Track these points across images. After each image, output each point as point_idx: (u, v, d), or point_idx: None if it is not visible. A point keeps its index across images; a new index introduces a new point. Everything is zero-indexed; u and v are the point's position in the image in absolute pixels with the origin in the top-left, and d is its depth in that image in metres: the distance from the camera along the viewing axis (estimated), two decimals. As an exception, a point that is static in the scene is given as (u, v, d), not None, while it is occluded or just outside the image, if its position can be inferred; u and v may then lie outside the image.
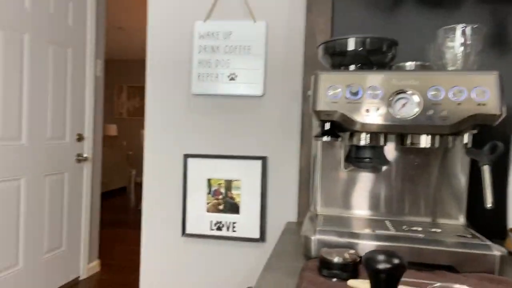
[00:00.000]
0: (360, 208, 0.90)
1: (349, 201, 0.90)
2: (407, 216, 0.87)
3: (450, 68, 0.80)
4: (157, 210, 1.22)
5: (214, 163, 1.18)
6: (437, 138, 0.75)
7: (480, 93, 0.69)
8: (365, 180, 0.90)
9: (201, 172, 1.19)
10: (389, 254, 0.46)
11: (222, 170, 1.18)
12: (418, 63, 0.81)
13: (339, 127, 0.80)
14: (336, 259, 0.65)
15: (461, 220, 0.85)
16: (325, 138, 0.79)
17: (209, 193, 1.19)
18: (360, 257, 0.66)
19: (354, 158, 0.83)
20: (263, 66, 1.14)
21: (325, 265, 0.66)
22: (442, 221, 0.86)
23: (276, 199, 1.15)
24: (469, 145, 0.75)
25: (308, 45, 1.10)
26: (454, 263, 0.69)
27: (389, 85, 0.73)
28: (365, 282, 0.61)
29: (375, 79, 0.74)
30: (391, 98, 0.72)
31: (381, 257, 0.45)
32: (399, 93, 0.72)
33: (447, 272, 0.68)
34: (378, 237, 0.73)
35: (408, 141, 0.78)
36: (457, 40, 0.77)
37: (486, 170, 0.69)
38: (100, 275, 2.89)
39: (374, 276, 0.45)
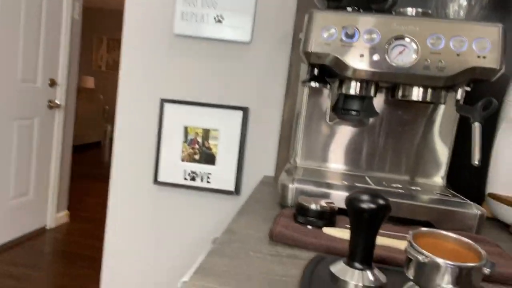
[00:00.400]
0: (341, 162, 0.86)
1: (330, 155, 0.87)
2: (387, 174, 0.85)
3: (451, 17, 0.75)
4: (128, 155, 1.16)
5: (193, 110, 1.12)
6: (430, 91, 0.71)
7: (481, 45, 0.65)
8: (349, 134, 0.86)
9: (178, 119, 1.13)
10: (374, 194, 0.42)
11: (200, 119, 1.12)
12: (420, 9, 0.76)
13: (329, 73, 0.74)
14: (313, 206, 0.61)
15: (441, 180, 0.84)
16: (313, 84, 0.74)
17: (185, 141, 1.13)
18: (338, 207, 0.63)
19: (342, 109, 0.78)
20: (253, 9, 1.06)
21: (301, 212, 0.62)
22: (422, 180, 0.84)
23: (255, 152, 1.11)
24: (461, 102, 0.71)
25: (303, -10, 1.03)
26: (432, 219, 0.67)
27: (387, 29, 0.67)
28: (340, 230, 0.58)
29: (373, 21, 0.68)
30: (388, 44, 0.67)
31: (365, 197, 0.41)
32: (397, 39, 0.67)
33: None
34: (354, 189, 0.70)
35: (400, 93, 0.74)
36: (463, -11, 0.72)
37: (477, 128, 0.66)
38: (68, 226, 2.84)
39: (357, 216, 0.42)
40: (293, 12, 1.05)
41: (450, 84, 0.68)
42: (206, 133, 1.12)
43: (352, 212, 0.42)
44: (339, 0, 0.81)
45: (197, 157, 1.13)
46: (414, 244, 0.39)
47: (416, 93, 0.71)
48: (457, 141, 0.84)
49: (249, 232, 0.58)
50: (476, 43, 0.65)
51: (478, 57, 0.65)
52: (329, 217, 0.61)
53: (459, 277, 0.37)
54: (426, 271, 0.38)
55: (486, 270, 0.37)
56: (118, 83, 1.16)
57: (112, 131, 6.09)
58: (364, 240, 0.42)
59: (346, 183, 0.73)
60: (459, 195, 0.73)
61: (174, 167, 1.14)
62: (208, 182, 1.13)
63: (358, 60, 0.68)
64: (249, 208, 0.71)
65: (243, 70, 1.09)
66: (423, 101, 0.72)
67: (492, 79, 0.67)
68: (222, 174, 1.12)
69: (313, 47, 0.69)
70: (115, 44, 6.58)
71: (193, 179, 1.14)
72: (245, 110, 1.10)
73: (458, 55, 0.66)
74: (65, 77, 2.69)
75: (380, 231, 0.61)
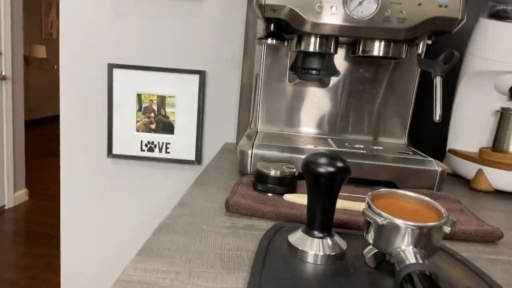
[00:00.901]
0: (303, 125, 0.83)
1: (291, 118, 0.83)
2: (350, 135, 0.83)
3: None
4: (77, 128, 1.07)
5: (145, 76, 1.04)
6: (391, 45, 0.67)
7: (443, -7, 0.61)
8: (309, 95, 0.82)
9: (129, 86, 1.04)
10: (331, 156, 0.38)
11: (154, 85, 1.04)
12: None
13: (286, 29, 0.69)
14: (272, 173, 0.58)
15: (403, 139, 0.82)
16: (270, 41, 0.68)
17: (139, 110, 1.06)
18: (299, 172, 0.60)
19: (301, 69, 0.74)
20: (203, -39, 0.96)
21: (260, 179, 0.58)
22: (385, 140, 0.82)
23: (215, 119, 1.05)
24: (422, 56, 0.69)
25: None
26: (394, 178, 0.65)
27: (345, -23, 0.62)
28: (301, 196, 0.55)
29: (330, -32, 0.62)
30: (346, -6, 0.62)
31: (322, 160, 0.38)
32: (357, -12, 0.62)
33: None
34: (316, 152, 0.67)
35: (360, 49, 0.69)
36: None
37: (438, 82, 0.63)
38: (28, 204, 2.71)
39: (314, 181, 0.38)
40: (248, -36, 0.97)
41: (411, 37, 0.65)
42: (162, 100, 1.05)
43: (309, 176, 0.39)
44: None
45: (153, 126, 1.06)
46: (372, 205, 0.37)
47: (377, 48, 0.67)
48: (417, 98, 0.82)
49: (203, 204, 0.53)
50: (438, -9, 0.62)
51: (440, 6, 0.62)
52: (289, 183, 0.58)
53: (419, 238, 0.35)
54: (385, 234, 0.36)
55: (447, 229, 0.35)
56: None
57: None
58: (323, 206, 0.39)
59: (307, 146, 0.69)
60: (420, 152, 0.72)
61: (129, 138, 1.07)
62: (167, 152, 1.07)
63: (316, 12, 0.62)
64: (206, 178, 0.66)
65: (197, 30, 1.01)
66: (384, 57, 0.68)
67: (454, 30, 0.64)
68: (181, 143, 1.07)
69: (267, -1, 0.63)
70: (65, 9, 6.10)
71: (150, 150, 1.07)
72: (202, 73, 1.03)
73: (419, 4, 0.62)
74: (9, 45, 2.47)
75: (341, 193, 0.59)
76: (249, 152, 0.66)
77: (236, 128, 1.05)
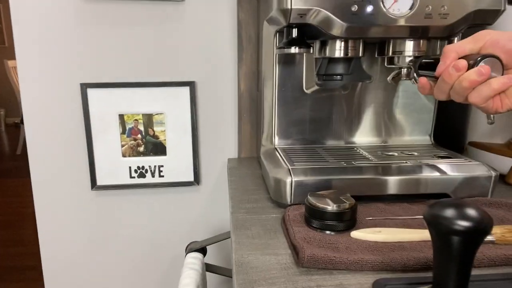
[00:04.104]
0: (322, 135, 0.75)
1: (308, 128, 0.75)
2: (373, 138, 0.76)
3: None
4: (51, 162, 0.91)
5: (127, 93, 0.90)
6: (425, 43, 0.61)
7: (483, -17, 0.56)
8: (327, 102, 0.74)
9: (109, 106, 0.90)
10: (464, 205, 0.31)
11: (138, 103, 0.91)
12: None
13: (309, 35, 0.60)
14: (330, 207, 0.50)
15: (428, 138, 0.78)
16: (294, 50, 0.59)
17: (123, 132, 0.92)
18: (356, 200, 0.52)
19: (323, 75, 0.66)
20: (183, -43, 0.84)
21: (315, 215, 0.50)
22: (409, 139, 0.77)
23: (211, 133, 0.95)
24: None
25: None
26: (449, 189, 0.60)
27: (379, -29, 0.54)
28: (372, 231, 0.48)
29: (362, -38, 0.54)
30: (381, -10, 0.54)
31: (454, 213, 0.30)
32: (391, -18, 0.55)
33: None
34: (364, 170, 0.60)
35: (390, 49, 0.63)
36: None
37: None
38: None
39: (445, 240, 0.31)
40: (233, -42, 0.85)
41: (449, 34, 0.59)
42: (148, 118, 0.92)
43: (438, 234, 0.31)
44: None
45: (142, 149, 0.93)
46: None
47: (412, 47, 0.61)
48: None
49: (265, 261, 0.44)
50: (477, -19, 0.56)
51: (481, -2, 0.56)
52: (350, 216, 0.50)
53: None
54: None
55: None
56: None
57: (7, 115, 5.26)
58: (457, 271, 0.32)
59: (344, 164, 0.62)
60: (459, 154, 0.68)
61: (115, 165, 0.93)
62: (160, 176, 0.95)
63: (350, 14, 0.54)
64: (240, 215, 0.57)
65: (181, 36, 0.88)
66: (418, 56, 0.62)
67: (493, 22, 0.59)
68: (176, 164, 0.95)
69: (293, 2, 0.53)
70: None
71: (141, 175, 0.95)
72: (191, 84, 0.91)
73: (460, -3, 0.56)
74: None
75: (400, 217, 0.52)
76: (288, 180, 0.57)
77: (235, 141, 0.95)
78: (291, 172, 0.58)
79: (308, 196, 0.52)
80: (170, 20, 0.87)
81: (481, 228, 0.30)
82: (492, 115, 0.57)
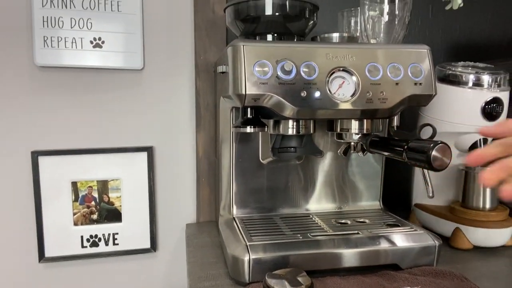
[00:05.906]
0: (278, 204, 0.78)
1: (265, 197, 0.77)
2: (325, 204, 0.79)
3: (372, 41, 0.72)
4: (-4, 233, 0.86)
5: (80, 160, 0.88)
6: (369, 122, 0.67)
7: (416, 71, 0.62)
8: (281, 171, 0.77)
9: (61, 174, 0.87)
10: None
11: (92, 169, 0.89)
12: (345, 34, 0.70)
13: (263, 114, 0.64)
14: (287, 288, 0.51)
15: (378, 203, 0.82)
16: (250, 129, 0.62)
17: (75, 200, 0.89)
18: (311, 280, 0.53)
19: (278, 149, 0.69)
20: (140, 29, 0.87)
21: (273, 297, 0.51)
22: (361, 204, 0.81)
23: (169, 198, 0.94)
24: (395, 128, 0.69)
25: (199, 3, 0.88)
26: (398, 260, 0.63)
27: (325, 61, 0.60)
28: (327, 312, 0.49)
29: (310, 53, 0.59)
30: (328, 78, 0.59)
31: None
32: (336, 70, 0.60)
33: (391, 271, 0.62)
34: (319, 244, 0.62)
35: (339, 127, 0.67)
36: (385, 9, 0.68)
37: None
38: None
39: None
40: (190, 32, 0.90)
41: (390, 115, 0.64)
42: (103, 185, 0.90)
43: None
44: (255, 25, 0.70)
45: (95, 216, 0.90)
46: None
47: (357, 126, 0.66)
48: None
49: None
50: (411, 69, 0.63)
51: (415, 84, 0.63)
52: (307, 296, 0.51)
53: None
54: None
55: None
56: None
57: None
58: None
59: (300, 237, 0.64)
60: (408, 222, 0.72)
61: (65, 235, 0.89)
62: (115, 244, 0.92)
63: (300, 99, 0.58)
64: (201, 299, 0.56)
65: (138, 104, 0.90)
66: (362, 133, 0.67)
67: (427, 105, 0.65)
68: (132, 231, 0.92)
69: (247, 88, 0.57)
70: None
71: (94, 244, 0.91)
72: (149, 150, 0.91)
73: (396, 84, 0.62)
74: None
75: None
76: (246, 259, 0.58)
77: (194, 205, 0.95)
78: (249, 249, 0.59)
79: (266, 278, 0.53)
80: (128, 87, 0.88)
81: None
82: (431, 190, 0.62)
